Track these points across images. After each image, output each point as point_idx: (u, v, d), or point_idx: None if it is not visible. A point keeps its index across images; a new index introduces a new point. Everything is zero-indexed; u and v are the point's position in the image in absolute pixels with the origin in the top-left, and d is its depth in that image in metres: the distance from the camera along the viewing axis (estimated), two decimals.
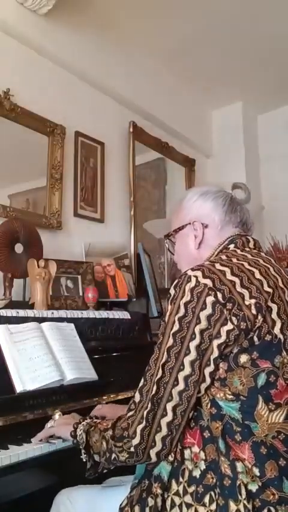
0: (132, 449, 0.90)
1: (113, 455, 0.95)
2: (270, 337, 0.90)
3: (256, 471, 0.85)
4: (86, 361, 1.60)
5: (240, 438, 0.88)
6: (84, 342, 1.66)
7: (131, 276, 2.47)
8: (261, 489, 0.84)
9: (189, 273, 0.94)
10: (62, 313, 1.76)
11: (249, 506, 0.83)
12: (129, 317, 2.04)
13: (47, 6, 2.17)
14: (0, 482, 1.15)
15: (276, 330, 0.91)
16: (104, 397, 1.60)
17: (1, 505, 1.18)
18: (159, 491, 0.93)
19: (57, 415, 1.26)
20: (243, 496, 0.84)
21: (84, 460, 1.04)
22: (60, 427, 1.18)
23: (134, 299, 2.37)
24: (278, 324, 0.91)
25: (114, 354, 1.84)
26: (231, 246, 1.08)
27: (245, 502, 0.83)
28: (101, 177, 2.60)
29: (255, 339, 0.89)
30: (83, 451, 1.03)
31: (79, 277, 2.08)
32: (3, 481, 1.14)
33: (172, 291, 0.95)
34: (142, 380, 0.94)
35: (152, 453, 0.90)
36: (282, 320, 0.92)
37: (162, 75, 3.10)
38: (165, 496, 0.92)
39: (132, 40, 2.74)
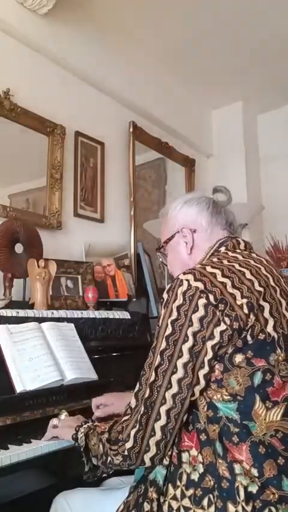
0: (126, 452, 0.91)
1: (109, 459, 0.95)
2: (263, 335, 0.90)
3: (254, 472, 0.85)
4: (86, 361, 1.60)
5: (238, 440, 0.87)
6: (84, 342, 1.67)
7: (131, 276, 2.47)
8: (261, 489, 0.84)
9: (181, 276, 0.95)
10: (62, 313, 1.76)
11: (248, 508, 0.83)
12: (129, 317, 2.04)
13: (47, 6, 2.17)
14: (0, 482, 1.15)
15: (269, 328, 0.91)
16: None
17: (0, 506, 1.18)
18: (154, 495, 0.93)
19: (63, 415, 1.27)
20: (242, 498, 0.83)
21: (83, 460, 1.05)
22: (64, 430, 1.18)
23: (134, 299, 2.37)
24: (271, 322, 0.92)
25: (114, 354, 1.84)
26: (222, 249, 1.10)
27: (244, 504, 0.83)
28: (101, 177, 2.60)
29: (249, 338, 0.89)
30: (82, 453, 1.04)
31: (79, 277, 2.08)
32: (3, 481, 1.14)
33: (165, 295, 0.96)
34: (137, 385, 0.95)
35: (146, 458, 0.90)
36: (275, 318, 0.93)
37: (162, 75, 3.10)
38: (162, 501, 0.92)
39: (132, 40, 2.74)
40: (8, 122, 2.10)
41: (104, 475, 1.07)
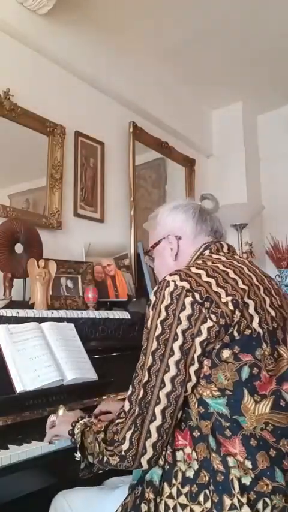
0: (122, 453, 0.91)
1: (105, 458, 0.96)
2: (249, 331, 0.93)
3: (248, 464, 0.87)
4: (86, 361, 1.60)
5: (230, 433, 0.89)
6: (84, 342, 1.67)
7: (131, 276, 2.47)
8: (254, 481, 0.86)
9: (167, 278, 0.98)
10: (62, 313, 1.76)
11: (243, 499, 0.84)
12: (129, 317, 2.04)
13: (47, 6, 2.17)
14: (0, 482, 1.15)
15: (255, 324, 0.95)
16: (104, 397, 1.60)
17: (0, 506, 1.18)
18: (151, 496, 0.93)
19: (61, 411, 1.26)
20: (237, 490, 0.85)
21: (77, 459, 1.05)
22: (61, 426, 1.18)
23: (134, 299, 2.37)
24: (256, 319, 0.95)
25: (114, 354, 1.84)
26: (207, 252, 1.14)
27: (239, 496, 0.84)
28: (101, 177, 2.60)
29: (236, 333, 0.92)
30: (78, 451, 1.04)
31: (79, 277, 2.08)
32: (3, 481, 1.14)
33: (153, 297, 0.98)
34: (130, 388, 0.95)
35: (143, 461, 0.90)
36: (260, 315, 0.96)
37: (162, 75, 3.10)
38: (158, 501, 0.92)
39: (132, 40, 2.73)
40: (8, 122, 2.10)
41: (100, 471, 1.07)
